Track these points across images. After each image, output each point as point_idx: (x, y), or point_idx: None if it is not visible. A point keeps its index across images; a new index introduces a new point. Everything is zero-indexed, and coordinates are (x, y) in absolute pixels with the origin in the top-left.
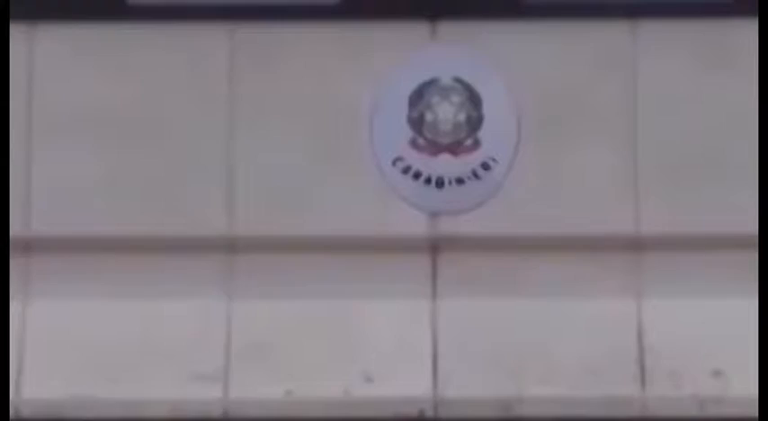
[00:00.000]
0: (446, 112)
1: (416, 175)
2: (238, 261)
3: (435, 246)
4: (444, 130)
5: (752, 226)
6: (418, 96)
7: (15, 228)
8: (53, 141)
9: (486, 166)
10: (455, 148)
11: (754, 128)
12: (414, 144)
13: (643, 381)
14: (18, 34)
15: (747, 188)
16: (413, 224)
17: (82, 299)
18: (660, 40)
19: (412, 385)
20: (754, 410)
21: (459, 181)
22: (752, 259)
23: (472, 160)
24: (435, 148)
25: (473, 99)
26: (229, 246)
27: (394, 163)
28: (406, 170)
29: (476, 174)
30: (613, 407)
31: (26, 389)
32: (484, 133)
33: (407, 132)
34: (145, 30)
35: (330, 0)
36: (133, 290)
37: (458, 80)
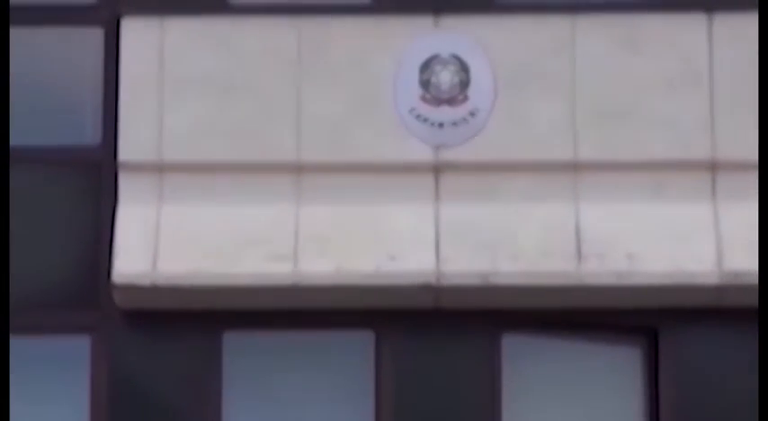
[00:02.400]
0: (445, 77)
1: (425, 120)
2: (303, 179)
3: (438, 169)
4: (444, 89)
5: (656, 154)
6: (426, 66)
7: (151, 156)
8: (183, 99)
9: (473, 114)
10: (451, 102)
11: (653, 90)
12: (423, 99)
13: (579, 260)
14: (151, 26)
15: (653, 128)
16: (422, 154)
17: (195, 205)
18: (592, 29)
19: (421, 263)
20: (653, 280)
21: (455, 124)
22: (657, 177)
23: (463, 110)
24: (438, 102)
25: (464, 68)
26: (297, 169)
27: (409, 111)
28: (417, 117)
29: (465, 120)
30: (559, 277)
31: (159, 266)
32: (471, 91)
33: (418, 91)
34: (240, 22)
35: (365, 1)
36: (231, 198)
37: (453, 55)
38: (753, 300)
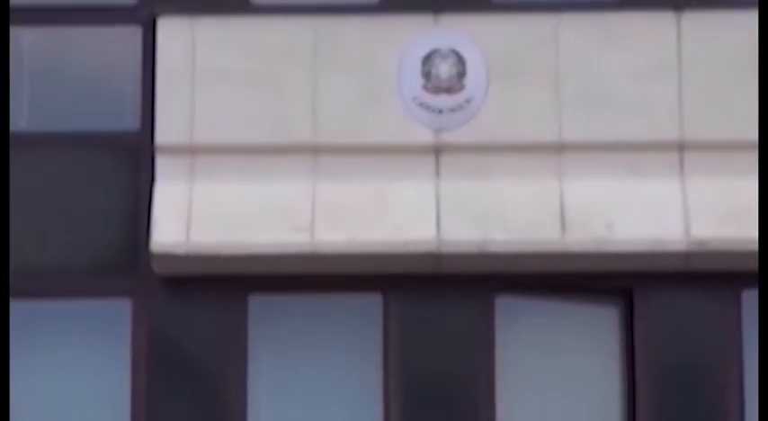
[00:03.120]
0: (444, 69)
1: (426, 107)
2: (319, 160)
3: (438, 150)
4: (443, 80)
5: (630, 136)
6: (427, 59)
7: (184, 139)
8: (212, 89)
9: (468, 101)
10: (450, 90)
11: (628, 79)
12: (424, 88)
13: (563, 229)
14: (183, 24)
15: (627, 113)
16: (424, 137)
17: (224, 182)
18: (574, 26)
19: (424, 233)
20: (628, 247)
21: (452, 110)
22: (631, 156)
23: (460, 97)
24: (437, 91)
25: (460, 61)
26: (314, 150)
27: (413, 99)
28: (419, 104)
29: (462, 106)
30: (545, 244)
31: (192, 236)
32: (467, 81)
33: (420, 81)
34: (262, 21)
35: (372, 1)
36: (256, 176)
37: (451, 49)
38: (717, 264)
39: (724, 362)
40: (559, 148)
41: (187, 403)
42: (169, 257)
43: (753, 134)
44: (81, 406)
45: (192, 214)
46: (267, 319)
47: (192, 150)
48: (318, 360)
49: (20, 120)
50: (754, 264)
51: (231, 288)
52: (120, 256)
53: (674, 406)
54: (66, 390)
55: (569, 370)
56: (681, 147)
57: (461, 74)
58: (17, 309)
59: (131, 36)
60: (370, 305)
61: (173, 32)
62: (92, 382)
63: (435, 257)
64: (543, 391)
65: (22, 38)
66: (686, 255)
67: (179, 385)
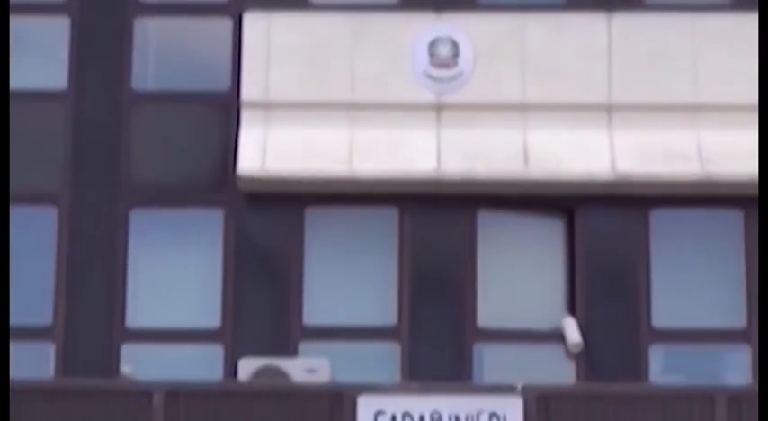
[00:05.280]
0: (444, 51)
1: (431, 77)
2: (356, 113)
3: (439, 107)
4: (443, 58)
5: (574, 99)
6: (432, 44)
7: (262, 97)
8: (281, 62)
9: (460, 74)
10: (448, 66)
11: (574, 61)
12: (430, 64)
13: (526, 163)
14: (261, 17)
15: (571, 84)
16: (429, 98)
17: (289, 128)
18: (534, 23)
19: (429, 164)
20: (571, 176)
21: (449, 80)
22: (575, 114)
23: (456, 70)
24: (439, 66)
25: (455, 45)
26: (352, 106)
27: (422, 72)
28: (427, 76)
29: (455, 78)
30: (514, 174)
31: (267, 164)
32: (460, 60)
33: (427, 59)
34: (315, 15)
35: (394, 1)
36: (311, 124)
37: (449, 37)
38: (641, 191)
39: (636, 263)
40: (524, 108)
41: (261, 287)
42: (250, 180)
43: (664, 96)
44: (185, 289)
45: (266, 149)
46: (318, 225)
47: (266, 105)
48: (353, 254)
49: (147, 83)
50: (659, 191)
51: (293, 203)
52: (216, 179)
53: (602, 293)
54: (175, 277)
55: (529, 265)
56: (609, 108)
57: (456, 55)
58: (139, 216)
59: (225, 25)
60: (390, 217)
61: (254, 23)
62: (194, 270)
63: (436, 183)
64: (510, 280)
65: (149, 26)
66: (612, 184)
67: (255, 273)
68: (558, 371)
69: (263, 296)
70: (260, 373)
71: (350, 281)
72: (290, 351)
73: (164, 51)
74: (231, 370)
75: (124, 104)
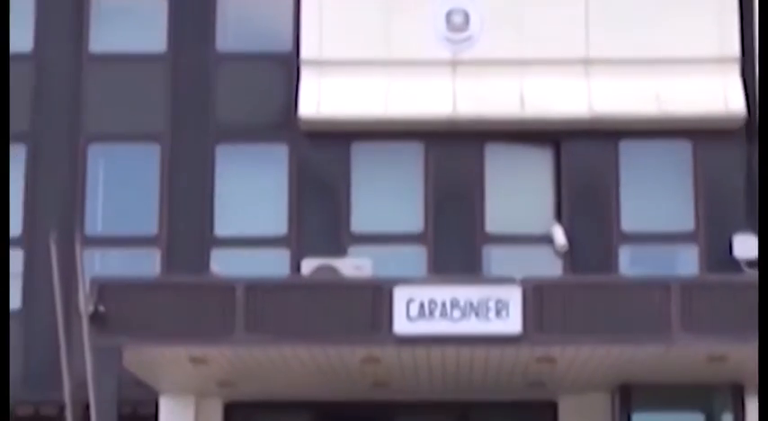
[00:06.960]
0: (457, 19)
1: (448, 40)
2: (392, 69)
3: (454, 63)
4: (457, 24)
5: (559, 54)
6: (448, 14)
7: (316, 55)
8: (334, 29)
9: (471, 37)
10: (460, 30)
11: (560, 24)
12: (447, 29)
13: (523, 106)
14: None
15: (556, 39)
16: (447, 55)
17: (338, 79)
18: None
19: (447, 108)
20: (559, 116)
21: (464, 40)
22: (561, 68)
23: (468, 32)
24: (454, 30)
25: (466, 14)
26: (389, 63)
27: (442, 36)
28: (446, 39)
29: (466, 40)
30: (513, 114)
31: (321, 109)
32: (471, 26)
33: (445, 25)
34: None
35: None
36: (356, 75)
37: (461, 8)
38: (612, 127)
39: (609, 182)
40: (521, 63)
41: (318, 204)
42: (308, 121)
43: (631, 52)
44: (259, 207)
45: (320, 97)
46: (361, 156)
47: (320, 62)
48: (389, 178)
49: (227, 44)
50: (627, 127)
51: (342, 138)
52: (282, 121)
53: (582, 206)
54: (252, 197)
55: (525, 185)
56: (586, 62)
57: (467, 22)
58: (224, 150)
59: (287, 3)
60: (416, 149)
61: (313, 3)
62: (266, 192)
63: (452, 122)
64: (511, 196)
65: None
66: (589, 122)
67: (313, 193)
68: (548, 266)
69: (319, 210)
70: (318, 270)
71: (386, 198)
72: (340, 252)
73: (241, 19)
74: (296, 268)
75: (211, 62)
